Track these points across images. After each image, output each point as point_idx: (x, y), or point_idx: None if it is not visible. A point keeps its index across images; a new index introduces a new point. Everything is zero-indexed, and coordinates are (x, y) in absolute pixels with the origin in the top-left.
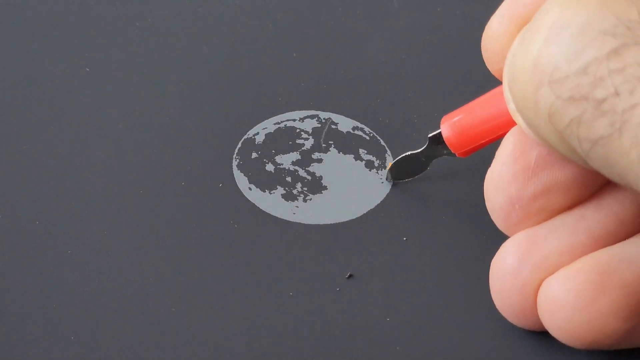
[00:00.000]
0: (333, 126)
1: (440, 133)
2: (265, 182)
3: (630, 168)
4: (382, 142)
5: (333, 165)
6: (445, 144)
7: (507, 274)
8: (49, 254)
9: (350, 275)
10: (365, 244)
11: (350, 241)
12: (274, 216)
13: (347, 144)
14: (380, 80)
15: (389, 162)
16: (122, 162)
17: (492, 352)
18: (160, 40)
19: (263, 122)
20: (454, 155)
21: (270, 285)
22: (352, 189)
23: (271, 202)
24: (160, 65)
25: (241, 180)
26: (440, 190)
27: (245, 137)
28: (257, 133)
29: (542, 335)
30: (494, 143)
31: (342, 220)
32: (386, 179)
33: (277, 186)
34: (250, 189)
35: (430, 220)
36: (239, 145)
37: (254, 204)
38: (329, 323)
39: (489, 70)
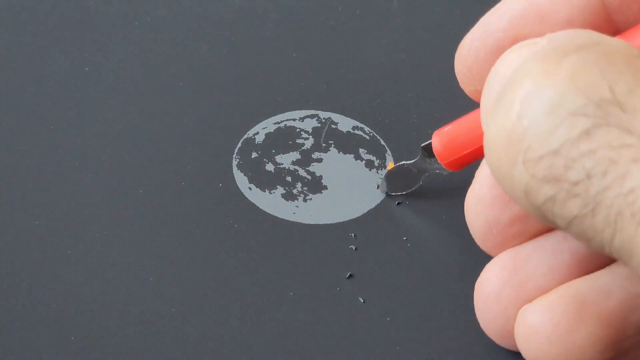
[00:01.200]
0: (333, 126)
1: (431, 143)
2: (265, 182)
3: (606, 244)
4: (382, 142)
5: (333, 165)
6: (436, 158)
7: (490, 297)
8: (48, 254)
9: (351, 275)
10: (365, 244)
11: (351, 241)
12: (274, 216)
13: (347, 143)
14: (380, 80)
15: (390, 162)
16: (121, 161)
17: (491, 351)
18: (160, 39)
19: (263, 122)
20: (445, 170)
21: (270, 285)
22: (352, 188)
23: (271, 202)
24: (160, 64)
25: (241, 180)
26: (441, 190)
27: (245, 136)
28: (257, 133)
29: None
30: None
31: (342, 220)
32: (379, 190)
33: (277, 186)
34: (250, 188)
35: (430, 220)
36: (239, 145)
37: (254, 203)
38: (329, 323)
39: None
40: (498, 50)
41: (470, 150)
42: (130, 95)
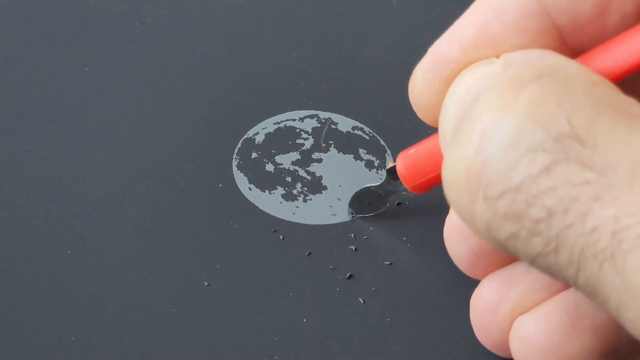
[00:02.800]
0: (333, 126)
1: (395, 166)
2: (265, 182)
3: (571, 280)
4: (382, 142)
5: (333, 165)
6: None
7: (487, 310)
8: (48, 254)
9: (350, 276)
10: (365, 245)
11: (350, 241)
12: (274, 216)
13: (347, 143)
14: (379, 80)
15: (389, 162)
16: (121, 162)
17: (490, 354)
18: (160, 39)
19: (263, 122)
20: (409, 192)
21: (270, 285)
22: (352, 189)
23: (271, 202)
24: (160, 65)
25: (241, 180)
26: (440, 190)
27: (245, 136)
28: (257, 133)
29: None
30: None
31: (342, 221)
32: (347, 214)
33: (277, 186)
34: (250, 189)
35: (430, 220)
36: (239, 145)
37: (253, 204)
38: (329, 323)
39: None
40: (452, 79)
41: (435, 174)
42: (130, 96)
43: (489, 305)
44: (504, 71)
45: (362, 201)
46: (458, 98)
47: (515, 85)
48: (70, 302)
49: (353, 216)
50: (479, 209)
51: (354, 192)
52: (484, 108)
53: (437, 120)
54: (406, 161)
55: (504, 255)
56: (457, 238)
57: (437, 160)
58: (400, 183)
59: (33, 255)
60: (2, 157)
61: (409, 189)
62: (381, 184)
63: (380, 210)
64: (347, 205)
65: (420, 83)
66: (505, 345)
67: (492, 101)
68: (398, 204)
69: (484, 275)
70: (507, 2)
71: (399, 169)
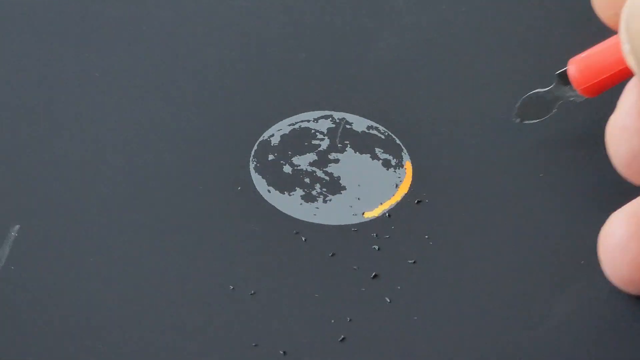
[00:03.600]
0: (347, 126)
1: (566, 70)
2: (283, 184)
3: None
4: (398, 141)
5: (350, 165)
6: (571, 85)
7: (617, 249)
8: (71, 261)
9: (375, 276)
10: (387, 244)
11: (373, 241)
12: (295, 218)
13: (363, 143)
14: (390, 79)
15: (406, 161)
16: (136, 167)
17: (517, 350)
18: (168, 42)
19: (277, 124)
20: (579, 97)
21: (296, 287)
22: (370, 188)
23: (291, 204)
24: (169, 68)
25: (260, 183)
26: (458, 187)
27: (261, 139)
28: (272, 135)
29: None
30: (616, 89)
31: (363, 221)
32: (513, 119)
33: (296, 188)
34: (269, 191)
35: (449, 218)
36: (255, 147)
37: (274, 206)
38: (356, 323)
39: (497, 66)
40: None
41: (607, 75)
42: (140, 100)
43: (620, 242)
44: None
45: (530, 107)
46: None
47: None
48: (94, 309)
49: (520, 121)
50: None
51: (521, 97)
52: None
53: (616, 15)
54: (579, 64)
55: None
56: (621, 138)
57: (609, 62)
58: (570, 88)
59: (55, 260)
60: (18, 161)
61: (579, 92)
62: (550, 88)
63: (548, 116)
64: (515, 112)
65: None
66: (636, 281)
67: None
68: (417, 202)
69: (637, 179)
70: None
71: (571, 73)
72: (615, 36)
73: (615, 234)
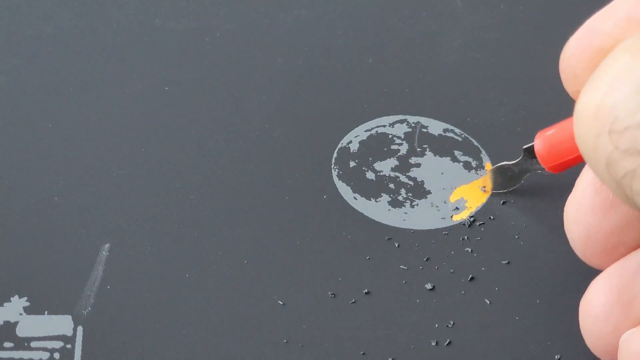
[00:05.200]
0: (424, 129)
1: (533, 145)
2: (369, 191)
3: None
4: (475, 143)
5: (432, 169)
6: (537, 158)
7: (599, 317)
8: (163, 276)
9: (472, 278)
10: (479, 245)
11: (465, 243)
12: (385, 224)
13: (441, 146)
14: (459, 81)
15: (486, 163)
16: (221, 184)
17: None
18: (233, 54)
19: (354, 130)
20: (545, 171)
21: (396, 292)
22: (454, 191)
23: (379, 210)
24: (237, 79)
25: (345, 190)
26: (541, 187)
27: (340, 146)
28: (351, 141)
29: None
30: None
31: (452, 224)
32: (483, 190)
33: (382, 194)
34: (355, 198)
35: (537, 217)
36: (335, 154)
37: (362, 213)
38: (459, 326)
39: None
40: (602, 52)
41: (574, 155)
42: (214, 113)
43: (601, 310)
44: None
45: (497, 178)
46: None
47: None
48: (192, 323)
49: (492, 193)
50: (602, 143)
51: (491, 168)
52: (624, 52)
53: (579, 92)
54: (545, 142)
55: (618, 239)
56: (577, 217)
57: (574, 142)
58: (536, 161)
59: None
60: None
61: (546, 169)
62: (517, 161)
63: (516, 187)
64: (484, 182)
65: (571, 51)
66: (615, 353)
67: (633, 44)
68: (503, 203)
69: (596, 259)
70: None
71: (537, 149)
72: None
73: (595, 301)
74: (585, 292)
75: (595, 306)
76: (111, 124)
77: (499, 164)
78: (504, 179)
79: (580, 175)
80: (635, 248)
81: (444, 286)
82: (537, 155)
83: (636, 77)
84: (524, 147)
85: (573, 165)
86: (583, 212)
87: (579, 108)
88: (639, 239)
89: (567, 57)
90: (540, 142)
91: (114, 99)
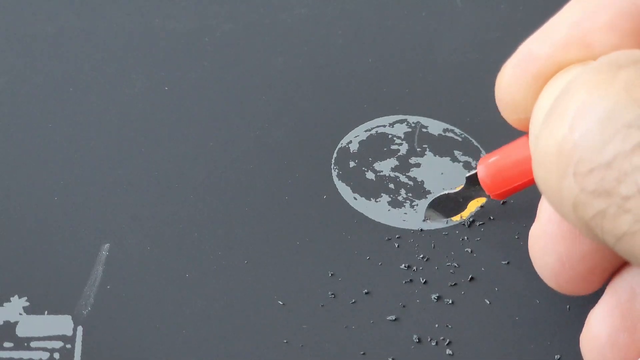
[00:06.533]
0: (424, 129)
1: (476, 173)
2: (369, 191)
3: None
4: (475, 143)
5: (432, 169)
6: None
7: (605, 347)
8: (162, 276)
9: (472, 278)
10: (479, 246)
11: (465, 244)
12: (385, 224)
13: (441, 146)
14: (459, 80)
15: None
16: (221, 183)
17: None
18: (233, 53)
19: (353, 130)
20: (489, 197)
21: (396, 293)
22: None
23: (379, 210)
24: (238, 79)
25: (345, 191)
26: None
27: (340, 146)
28: (350, 141)
29: None
30: (528, 188)
31: (452, 224)
32: (423, 219)
33: (382, 194)
34: (355, 198)
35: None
36: (335, 154)
37: (362, 213)
38: (459, 326)
39: None
40: (541, 77)
41: (519, 183)
42: (214, 113)
43: (607, 339)
44: (601, 59)
45: (440, 207)
46: (553, 93)
47: (612, 67)
48: (193, 323)
49: (429, 221)
50: (568, 186)
51: (432, 198)
52: (580, 86)
53: (520, 120)
54: (489, 169)
55: (590, 264)
56: (546, 246)
57: (520, 168)
58: (480, 188)
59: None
60: (92, 183)
61: (491, 197)
62: (460, 190)
63: (456, 215)
64: (425, 212)
65: (508, 79)
66: None
67: (589, 79)
68: (503, 203)
69: (569, 286)
70: (600, 1)
71: (481, 177)
72: (525, 136)
73: (600, 331)
74: (585, 327)
75: (601, 338)
76: (111, 124)
77: (440, 194)
78: (448, 208)
79: (541, 203)
80: (610, 270)
81: (444, 286)
82: (481, 183)
83: (598, 113)
84: (467, 175)
85: (518, 191)
86: (551, 242)
87: (539, 150)
88: (612, 259)
89: (504, 85)
90: (484, 169)
91: (114, 99)
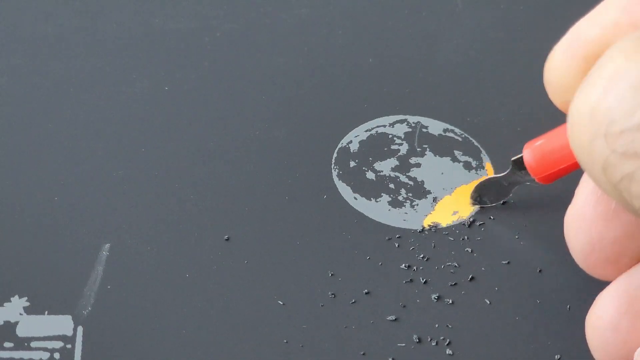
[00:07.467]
0: (424, 129)
1: (522, 157)
2: (369, 191)
3: None
4: (475, 143)
5: (432, 169)
6: (527, 170)
7: (607, 329)
8: (163, 276)
9: (472, 278)
10: (480, 245)
11: (465, 243)
12: (385, 224)
13: (441, 146)
14: (459, 80)
15: (486, 163)
16: (223, 183)
17: None
18: (233, 54)
19: (354, 130)
20: (535, 182)
21: (396, 293)
22: (454, 191)
23: (379, 210)
24: (238, 79)
25: (345, 190)
26: (542, 185)
27: (340, 145)
28: (351, 141)
29: None
30: (576, 172)
31: (453, 224)
32: (471, 204)
33: (382, 194)
34: (355, 198)
35: (539, 216)
36: (335, 154)
37: (362, 213)
38: (459, 326)
39: None
40: (590, 59)
41: (564, 165)
42: (215, 113)
43: (610, 321)
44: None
45: (485, 192)
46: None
47: None
48: (193, 323)
49: (477, 205)
50: (599, 147)
51: (478, 183)
52: (617, 53)
53: (567, 103)
54: (535, 153)
55: (621, 248)
56: (579, 226)
57: (566, 151)
58: (526, 173)
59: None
60: (89, 181)
61: (536, 180)
62: (506, 174)
63: (503, 201)
64: (471, 196)
65: (558, 62)
66: None
67: (626, 47)
68: (504, 202)
69: (598, 269)
70: None
71: (527, 161)
72: None
73: (605, 313)
74: (592, 306)
75: (604, 319)
76: (111, 124)
77: (487, 177)
78: (492, 193)
79: (579, 185)
80: (637, 260)
81: (444, 286)
82: (526, 167)
83: (631, 78)
84: (512, 159)
85: (563, 175)
86: (585, 223)
87: (573, 112)
88: None
89: (553, 67)
90: (530, 153)
91: (114, 99)
